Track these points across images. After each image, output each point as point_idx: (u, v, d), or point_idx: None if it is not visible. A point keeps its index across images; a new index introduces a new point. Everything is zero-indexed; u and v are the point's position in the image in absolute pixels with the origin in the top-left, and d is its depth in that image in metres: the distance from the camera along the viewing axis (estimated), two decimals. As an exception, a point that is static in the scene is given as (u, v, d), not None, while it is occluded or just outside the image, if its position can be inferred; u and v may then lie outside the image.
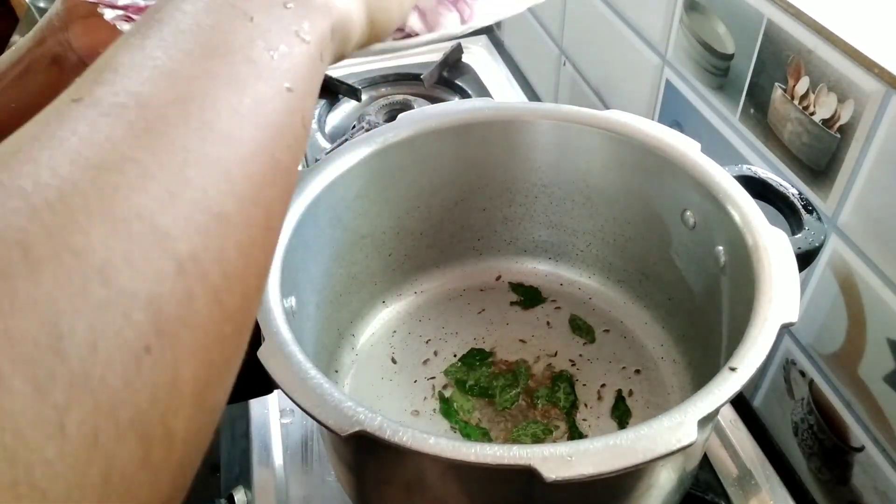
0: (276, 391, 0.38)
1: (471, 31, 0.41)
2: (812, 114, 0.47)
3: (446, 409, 0.52)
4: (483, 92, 0.90)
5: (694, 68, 0.60)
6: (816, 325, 0.50)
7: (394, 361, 0.56)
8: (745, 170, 0.47)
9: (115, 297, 0.17)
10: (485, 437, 0.51)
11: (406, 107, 0.84)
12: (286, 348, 0.36)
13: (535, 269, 0.62)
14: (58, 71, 0.44)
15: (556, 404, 0.52)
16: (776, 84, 0.50)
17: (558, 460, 0.30)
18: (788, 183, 0.46)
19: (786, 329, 0.37)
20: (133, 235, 0.18)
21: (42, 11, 1.08)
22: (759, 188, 0.46)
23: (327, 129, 0.86)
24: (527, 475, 0.30)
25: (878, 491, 0.47)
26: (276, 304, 0.39)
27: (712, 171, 0.46)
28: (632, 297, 0.59)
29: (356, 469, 0.43)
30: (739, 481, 0.53)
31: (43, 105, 0.20)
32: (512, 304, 0.60)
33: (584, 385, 0.54)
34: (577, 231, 0.59)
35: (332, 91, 0.90)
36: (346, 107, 0.90)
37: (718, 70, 0.56)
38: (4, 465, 0.14)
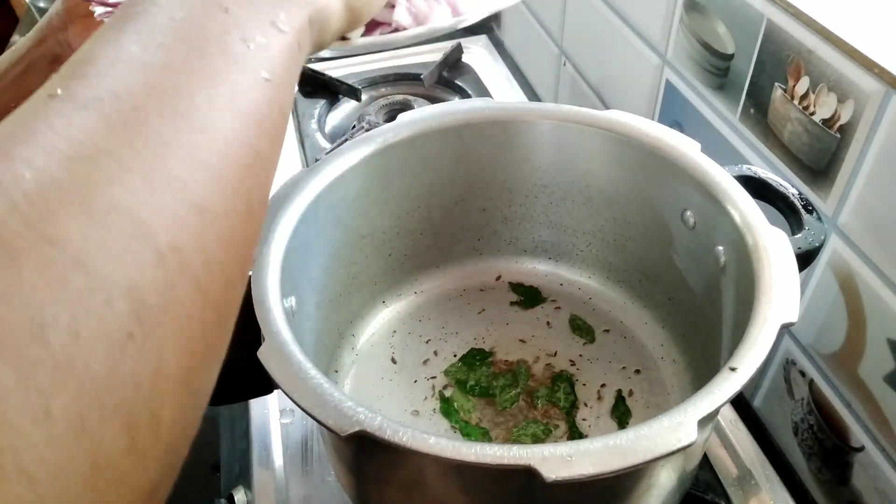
0: (276, 391, 0.38)
1: (462, 25, 0.41)
2: (812, 114, 0.47)
3: (446, 408, 0.52)
4: (483, 92, 0.90)
5: (694, 68, 0.60)
6: (816, 325, 0.50)
7: (394, 361, 0.56)
8: (745, 170, 0.47)
9: (95, 286, 0.17)
10: (485, 437, 0.51)
11: (406, 107, 0.84)
12: (286, 348, 0.36)
13: (535, 269, 0.62)
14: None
15: (556, 404, 0.52)
16: (776, 84, 0.50)
17: (558, 460, 0.30)
18: (788, 183, 0.46)
19: (786, 329, 0.37)
20: (111, 226, 0.18)
21: (42, 11, 1.08)
22: (759, 188, 0.46)
23: (327, 129, 0.86)
24: (527, 475, 0.30)
25: (878, 491, 0.47)
26: (276, 304, 0.39)
27: (712, 171, 0.46)
28: (632, 297, 0.59)
29: (356, 469, 0.43)
30: (739, 481, 0.53)
31: None
32: (512, 304, 0.60)
33: (584, 385, 0.54)
34: (577, 231, 0.59)
35: (332, 91, 0.90)
36: (346, 107, 0.90)
37: (718, 70, 0.56)
38: None
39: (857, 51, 0.42)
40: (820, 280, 0.50)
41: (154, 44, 0.22)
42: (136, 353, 0.17)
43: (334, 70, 0.93)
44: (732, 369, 0.35)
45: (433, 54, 0.94)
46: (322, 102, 0.88)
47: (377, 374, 0.55)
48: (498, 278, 0.62)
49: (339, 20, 0.31)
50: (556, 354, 0.56)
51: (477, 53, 1.01)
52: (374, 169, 0.51)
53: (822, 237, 0.43)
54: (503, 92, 0.94)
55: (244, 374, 0.41)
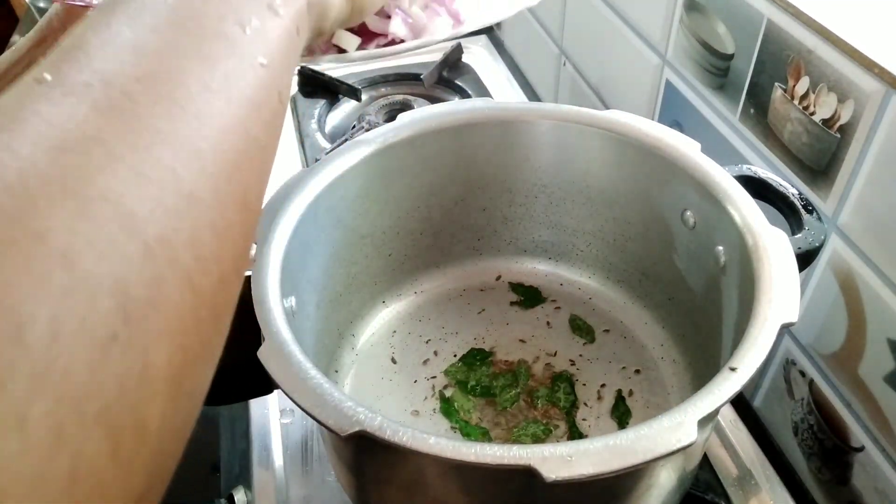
0: (276, 391, 0.38)
1: (458, 36, 0.41)
2: (812, 114, 0.47)
3: (447, 408, 0.52)
4: (483, 92, 0.90)
5: (694, 68, 0.60)
6: (816, 325, 0.50)
7: (394, 361, 0.56)
8: (745, 170, 0.47)
9: (79, 283, 0.16)
10: (485, 436, 0.51)
11: (406, 107, 0.84)
12: (286, 348, 0.36)
13: (535, 269, 0.62)
14: None
15: (556, 404, 0.52)
16: (776, 84, 0.50)
17: (558, 460, 0.30)
18: (788, 183, 0.46)
19: (786, 329, 0.37)
20: (98, 218, 0.17)
21: (42, 11, 1.08)
22: (759, 188, 0.46)
23: (327, 129, 0.86)
24: (527, 475, 0.30)
25: (878, 491, 0.47)
26: (276, 304, 0.39)
27: (712, 171, 0.46)
28: (632, 297, 0.59)
29: (356, 469, 0.43)
30: (739, 481, 0.53)
31: None
32: (512, 304, 0.60)
33: (584, 385, 0.54)
34: (577, 231, 0.59)
35: (332, 91, 0.90)
36: (346, 107, 0.90)
37: (718, 70, 0.56)
38: None
39: (857, 51, 0.42)
40: (820, 280, 0.50)
41: (147, 28, 0.21)
42: (121, 353, 0.16)
43: (334, 70, 0.93)
44: (732, 369, 0.35)
45: (433, 54, 0.94)
46: (322, 102, 0.88)
47: (377, 374, 0.55)
48: (498, 278, 0.62)
49: (339, 8, 0.31)
50: (556, 354, 0.56)
51: (477, 53, 1.01)
52: (374, 169, 0.51)
53: (822, 237, 0.43)
54: (503, 92, 0.94)
55: (244, 374, 0.41)
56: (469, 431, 0.51)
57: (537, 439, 0.50)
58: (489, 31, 1.06)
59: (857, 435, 0.48)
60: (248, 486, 0.53)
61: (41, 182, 0.17)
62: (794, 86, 0.48)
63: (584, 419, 0.52)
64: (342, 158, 0.49)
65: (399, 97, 0.87)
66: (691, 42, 0.59)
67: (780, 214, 0.46)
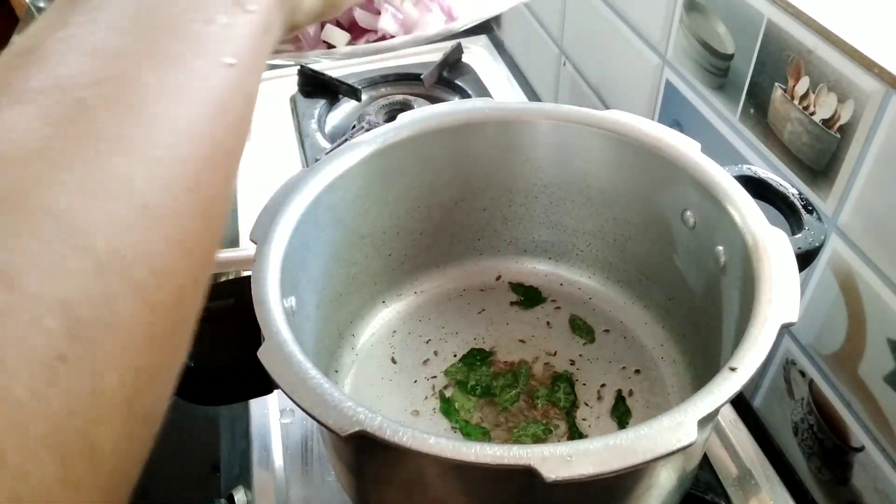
0: (276, 391, 0.38)
1: (451, 33, 0.41)
2: (812, 114, 0.47)
3: (447, 408, 0.52)
4: (483, 92, 0.90)
5: (694, 68, 0.60)
6: (816, 325, 0.50)
7: (394, 361, 0.56)
8: (745, 170, 0.47)
9: (20, 303, 0.15)
10: (485, 437, 0.51)
11: (406, 107, 0.84)
12: (286, 348, 0.36)
13: (535, 269, 0.62)
14: None
15: (556, 404, 0.52)
16: (776, 84, 0.50)
17: (558, 460, 0.30)
18: (788, 183, 0.46)
19: (786, 329, 0.37)
20: (41, 233, 0.16)
21: (42, 11, 1.08)
22: (759, 188, 0.46)
23: (327, 129, 0.86)
24: (527, 475, 0.30)
25: (878, 491, 0.47)
26: (276, 304, 0.39)
27: (712, 171, 0.46)
28: (632, 297, 0.59)
29: (356, 469, 0.43)
30: (739, 481, 0.53)
31: None
32: (512, 304, 0.60)
33: (584, 385, 0.54)
34: (577, 231, 0.59)
35: (332, 91, 0.90)
36: (346, 107, 0.90)
37: (718, 70, 0.56)
38: None
39: (857, 51, 0.42)
40: (820, 280, 0.50)
41: (105, 28, 0.20)
42: (69, 375, 0.15)
43: (334, 70, 0.93)
44: (732, 369, 0.35)
45: (433, 54, 0.94)
46: (322, 102, 0.88)
47: (377, 374, 0.55)
48: (498, 278, 0.62)
49: (311, 1, 0.29)
50: (556, 354, 0.56)
51: (477, 53, 1.01)
52: (374, 169, 0.51)
53: (822, 237, 0.43)
54: (503, 92, 0.94)
55: (244, 374, 0.41)
56: (469, 431, 0.51)
57: (537, 439, 0.50)
58: (489, 31, 1.06)
59: (857, 435, 0.48)
60: (248, 486, 0.53)
61: None
62: (794, 86, 0.48)
63: (584, 419, 0.52)
64: (342, 158, 0.49)
65: (399, 97, 0.87)
66: (691, 42, 0.59)
67: (780, 214, 0.46)
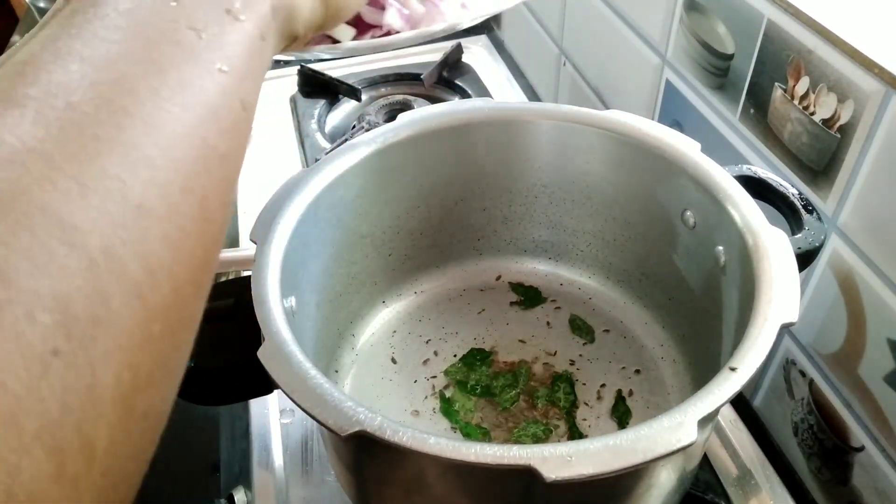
0: (276, 391, 0.38)
1: (456, 29, 0.41)
2: (812, 114, 0.47)
3: (447, 408, 0.52)
4: (483, 92, 0.90)
5: (694, 68, 0.60)
6: (816, 325, 0.50)
7: (394, 361, 0.56)
8: (745, 170, 0.47)
9: (15, 297, 0.15)
10: (485, 436, 0.51)
11: (406, 107, 0.84)
12: (286, 348, 0.36)
13: (535, 269, 0.62)
14: None
15: (556, 404, 0.52)
16: (776, 84, 0.50)
17: (558, 460, 0.30)
18: (788, 183, 0.46)
19: (786, 329, 0.37)
20: (35, 230, 0.16)
21: (42, 11, 1.08)
22: (759, 188, 0.46)
23: (327, 129, 0.86)
24: (527, 475, 0.30)
25: (878, 491, 0.47)
26: (276, 304, 0.39)
27: (712, 171, 0.46)
28: (632, 297, 0.59)
29: (356, 469, 0.43)
30: (739, 481, 0.53)
31: None
32: (512, 304, 0.60)
33: (584, 385, 0.54)
34: (577, 231, 0.59)
35: (332, 91, 0.90)
36: (346, 107, 0.90)
37: (718, 70, 0.56)
38: None
39: (857, 51, 0.42)
40: (820, 280, 0.50)
41: (97, 37, 0.21)
42: (63, 370, 0.16)
43: (334, 70, 0.93)
44: (732, 369, 0.35)
45: (433, 54, 0.94)
46: (322, 102, 0.88)
47: (377, 374, 0.55)
48: (498, 278, 0.62)
49: (311, 11, 0.30)
50: (556, 354, 0.56)
51: (477, 53, 1.01)
52: (374, 169, 0.51)
53: (822, 237, 0.43)
54: (503, 92, 0.94)
55: (244, 374, 0.41)
56: (469, 431, 0.51)
57: (537, 439, 0.50)
58: (489, 31, 1.06)
59: (857, 435, 0.48)
60: (248, 486, 0.53)
61: None
62: (794, 86, 0.48)
63: (584, 419, 0.52)
64: (342, 158, 0.49)
65: (399, 97, 0.87)
66: (691, 42, 0.59)
67: (780, 214, 0.46)
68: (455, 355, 0.56)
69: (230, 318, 0.41)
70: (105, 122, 0.19)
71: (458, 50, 0.94)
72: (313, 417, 0.33)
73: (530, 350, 0.56)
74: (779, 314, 0.37)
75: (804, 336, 0.52)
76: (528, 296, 0.60)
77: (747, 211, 0.43)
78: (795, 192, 0.46)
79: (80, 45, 0.20)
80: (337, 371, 0.54)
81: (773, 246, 0.41)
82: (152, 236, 0.19)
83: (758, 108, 0.52)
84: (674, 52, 0.63)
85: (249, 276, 0.40)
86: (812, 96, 0.47)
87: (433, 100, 0.87)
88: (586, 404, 0.53)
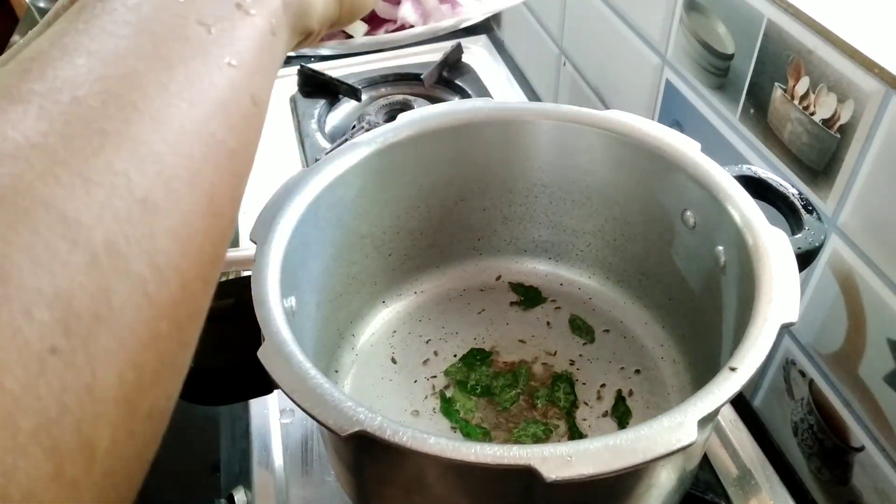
0: (276, 391, 0.38)
1: (464, 24, 0.41)
2: (812, 114, 0.47)
3: (447, 408, 0.52)
4: (483, 92, 0.90)
5: (694, 68, 0.60)
6: (816, 325, 0.50)
7: (394, 361, 0.56)
8: (745, 170, 0.47)
9: (14, 294, 0.15)
10: (485, 436, 0.51)
11: (406, 107, 0.84)
12: (286, 348, 0.36)
13: (535, 269, 0.62)
14: None
15: (556, 404, 0.52)
16: (776, 84, 0.50)
17: (558, 460, 0.30)
18: (788, 183, 0.46)
19: (786, 329, 0.37)
20: (37, 226, 0.16)
21: (42, 11, 1.08)
22: (759, 188, 0.46)
23: (327, 129, 0.86)
24: (527, 475, 0.30)
25: (878, 491, 0.47)
26: (276, 304, 0.39)
27: (712, 171, 0.46)
28: (632, 297, 0.59)
29: (356, 469, 0.43)
30: (739, 481, 0.53)
31: None
32: (512, 304, 0.60)
33: (584, 385, 0.54)
34: (577, 231, 0.59)
35: (332, 91, 0.90)
36: (346, 107, 0.90)
37: (718, 70, 0.56)
38: None
39: (857, 51, 0.42)
40: (820, 280, 0.50)
41: (104, 31, 0.20)
42: (62, 368, 0.15)
43: (334, 70, 0.93)
44: (732, 369, 0.35)
45: (433, 54, 0.94)
46: (322, 102, 0.88)
47: (377, 374, 0.55)
48: (498, 278, 0.62)
49: (324, 5, 0.29)
50: (555, 354, 0.56)
51: (477, 53, 1.01)
52: (374, 169, 0.51)
53: (822, 237, 0.43)
54: (503, 92, 0.94)
55: (244, 374, 0.41)
56: (469, 431, 0.51)
57: (537, 439, 0.50)
58: (489, 31, 1.06)
59: (857, 435, 0.48)
60: (248, 486, 0.53)
61: None
62: (794, 86, 0.48)
63: (584, 419, 0.52)
64: (342, 158, 0.49)
65: (399, 97, 0.87)
66: (691, 42, 0.59)
67: (780, 214, 0.46)
68: (455, 355, 0.56)
69: (230, 318, 0.41)
70: (112, 116, 0.19)
71: (458, 50, 0.94)
72: (313, 417, 0.33)
73: (530, 350, 0.56)
74: (779, 314, 0.37)
75: (804, 336, 0.52)
76: (528, 296, 0.60)
77: (747, 211, 0.43)
78: (795, 192, 0.46)
79: (87, 41, 0.20)
80: (337, 371, 0.54)
81: (773, 246, 0.41)
82: (159, 232, 0.18)
83: (758, 108, 0.52)
84: (674, 52, 0.63)
85: (249, 276, 0.40)
86: (812, 96, 0.47)
87: (433, 100, 0.87)
88: (586, 404, 0.53)
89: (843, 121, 0.44)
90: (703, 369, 0.50)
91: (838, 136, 0.45)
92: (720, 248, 0.46)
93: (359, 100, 0.89)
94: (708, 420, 0.35)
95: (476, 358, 0.56)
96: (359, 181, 0.50)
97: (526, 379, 0.54)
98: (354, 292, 0.56)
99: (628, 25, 0.69)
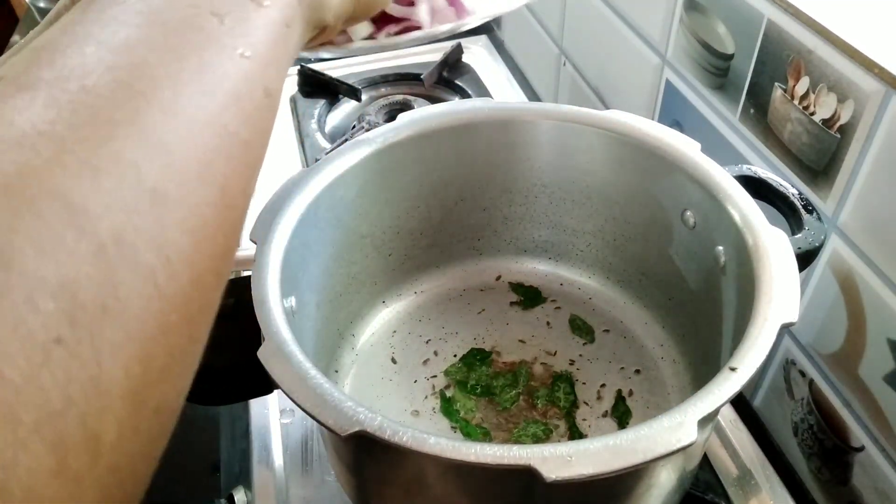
0: (276, 391, 0.38)
1: (464, 28, 0.41)
2: (812, 114, 0.47)
3: (447, 408, 0.52)
4: (483, 92, 0.90)
5: (694, 68, 0.60)
6: (816, 325, 0.50)
7: (394, 361, 0.56)
8: (745, 170, 0.47)
9: (17, 282, 0.15)
10: (485, 436, 0.51)
11: (406, 107, 0.84)
12: (286, 348, 0.36)
13: (535, 269, 0.62)
14: None
15: (556, 404, 0.52)
16: (776, 84, 0.50)
17: (558, 460, 0.30)
18: (788, 183, 0.46)
19: (786, 329, 0.37)
20: (42, 213, 0.16)
21: (42, 11, 1.08)
22: (759, 188, 0.46)
23: (327, 129, 0.86)
24: (527, 475, 0.30)
25: (878, 491, 0.47)
26: (276, 304, 0.39)
27: (712, 171, 0.46)
28: (632, 297, 0.59)
29: (356, 469, 0.43)
30: (739, 481, 0.53)
31: None
32: (512, 304, 0.60)
33: (584, 385, 0.54)
34: (577, 231, 0.59)
35: (332, 91, 0.90)
36: (346, 107, 0.90)
37: (718, 70, 0.56)
38: None
39: (857, 51, 0.42)
40: (820, 280, 0.50)
41: (116, 21, 0.20)
42: (67, 360, 0.15)
43: (334, 70, 0.93)
44: (732, 369, 0.35)
45: (433, 54, 0.94)
46: (322, 102, 0.88)
47: (377, 374, 0.55)
48: (498, 278, 0.62)
49: (340, 1, 0.29)
50: (555, 354, 0.56)
51: (477, 53, 1.01)
52: (374, 169, 0.51)
53: (822, 237, 0.43)
54: (503, 92, 0.94)
55: (244, 374, 0.41)
56: (469, 431, 0.51)
57: (537, 439, 0.50)
58: (489, 31, 1.06)
59: (857, 435, 0.48)
60: (248, 486, 0.53)
61: None
62: (794, 86, 0.48)
63: (584, 419, 0.52)
64: (342, 158, 0.49)
65: (399, 97, 0.87)
66: (691, 42, 0.59)
67: (780, 214, 0.46)
68: (455, 355, 0.56)
69: (230, 318, 0.41)
70: (121, 106, 0.18)
71: (458, 50, 0.94)
72: (313, 417, 0.33)
73: (530, 350, 0.56)
74: (779, 314, 0.37)
75: (804, 336, 0.52)
76: (528, 296, 0.60)
77: (747, 211, 0.43)
78: (795, 192, 0.46)
79: (97, 30, 0.20)
80: (337, 371, 0.54)
81: (773, 246, 0.41)
82: (169, 223, 0.18)
83: (758, 108, 0.52)
84: (674, 52, 0.63)
85: (249, 276, 0.40)
86: (812, 96, 0.47)
87: (433, 100, 0.87)
88: (586, 404, 0.53)
89: (843, 121, 0.44)
90: (703, 369, 0.50)
91: (838, 136, 0.45)
92: (720, 248, 0.46)
93: (359, 100, 0.89)
94: (708, 420, 0.35)
95: (476, 358, 0.56)
96: (359, 181, 0.50)
97: (526, 379, 0.54)
98: (354, 292, 0.56)
99: (628, 25, 0.69)
